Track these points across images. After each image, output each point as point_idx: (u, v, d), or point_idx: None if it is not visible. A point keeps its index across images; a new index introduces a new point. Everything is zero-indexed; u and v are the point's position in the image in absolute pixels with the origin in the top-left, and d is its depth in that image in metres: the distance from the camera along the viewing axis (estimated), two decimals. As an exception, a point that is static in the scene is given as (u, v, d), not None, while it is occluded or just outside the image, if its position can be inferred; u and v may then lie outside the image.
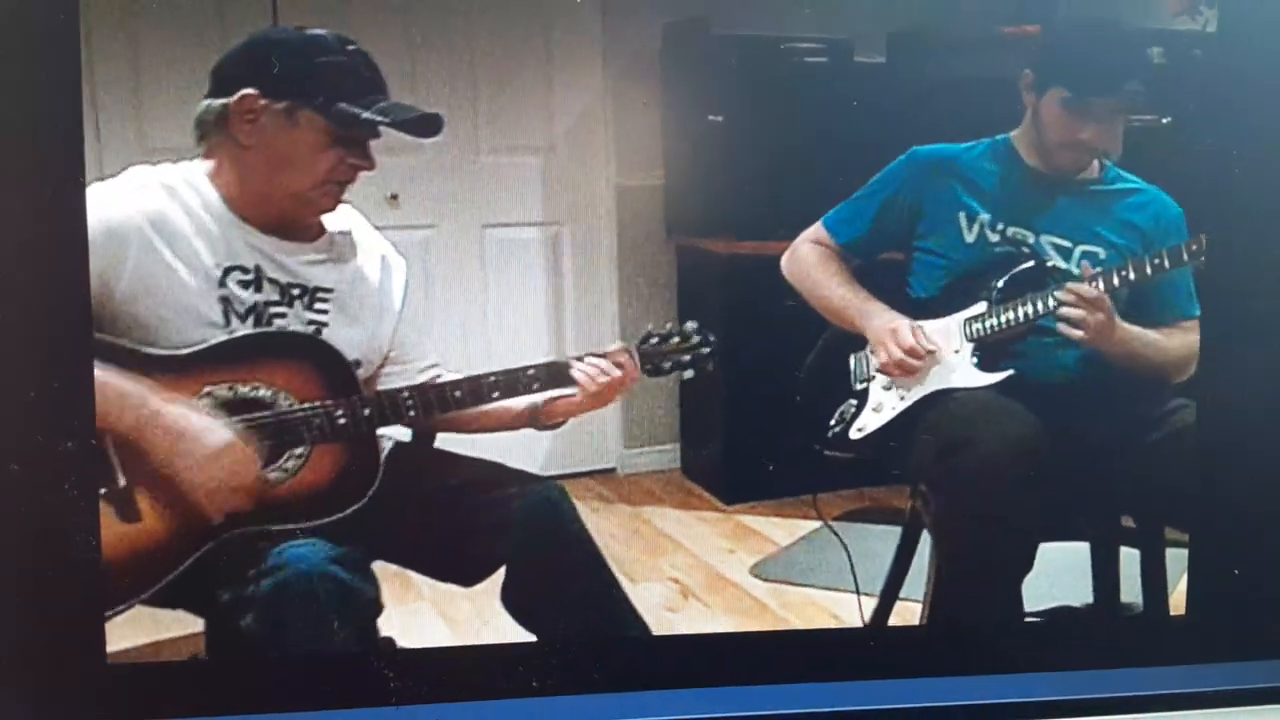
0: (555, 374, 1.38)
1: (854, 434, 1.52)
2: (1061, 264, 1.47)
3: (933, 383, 1.50)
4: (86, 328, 1.20)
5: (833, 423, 1.53)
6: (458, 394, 1.34)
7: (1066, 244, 1.47)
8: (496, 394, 1.36)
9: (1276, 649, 1.38)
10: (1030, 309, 1.46)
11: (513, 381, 1.36)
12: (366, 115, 1.27)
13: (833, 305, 1.51)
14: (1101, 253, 1.47)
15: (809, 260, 1.51)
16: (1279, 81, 1.36)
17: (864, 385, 1.53)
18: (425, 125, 1.30)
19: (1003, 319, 1.48)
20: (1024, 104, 1.48)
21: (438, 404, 1.34)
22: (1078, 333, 1.43)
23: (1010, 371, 1.48)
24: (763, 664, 1.33)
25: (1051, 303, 1.45)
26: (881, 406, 1.51)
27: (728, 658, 1.34)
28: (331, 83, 1.27)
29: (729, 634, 1.46)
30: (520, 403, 1.39)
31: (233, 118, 1.27)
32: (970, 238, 1.48)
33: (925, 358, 1.49)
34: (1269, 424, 1.37)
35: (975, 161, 1.49)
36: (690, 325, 1.43)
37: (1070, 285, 1.44)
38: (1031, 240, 1.48)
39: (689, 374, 1.42)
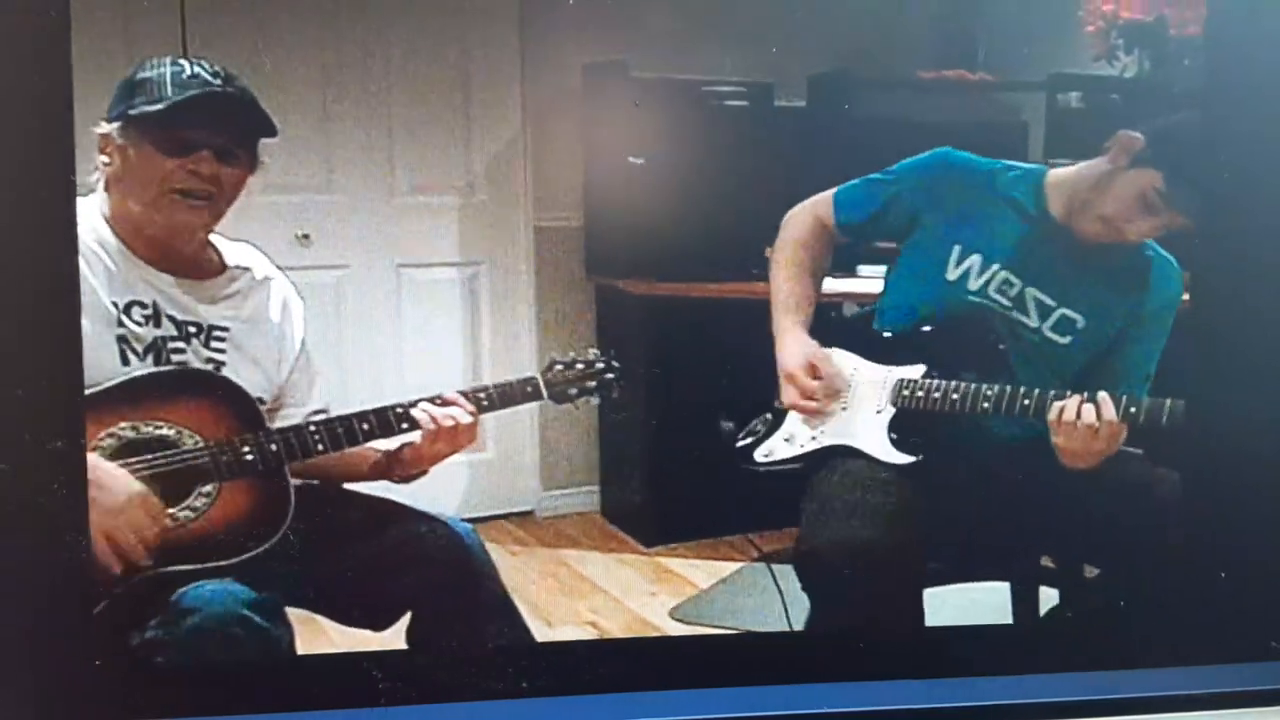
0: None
1: (760, 456, 1.49)
2: (1033, 323, 1.44)
3: (844, 435, 1.47)
4: (75, 328, 1.18)
5: (742, 434, 1.51)
6: (365, 426, 1.33)
7: (1050, 303, 1.44)
8: (405, 425, 1.34)
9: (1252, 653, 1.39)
10: (968, 401, 1.42)
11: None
12: (148, 109, 1.23)
13: (771, 292, 1.49)
14: (1080, 321, 1.43)
15: (794, 231, 1.48)
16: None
17: (784, 408, 1.50)
18: (218, 110, 1.26)
19: (934, 395, 1.44)
20: (1107, 156, 1.40)
21: (345, 437, 1.32)
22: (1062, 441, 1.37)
23: (916, 459, 1.44)
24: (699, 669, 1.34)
25: (987, 400, 1.41)
26: (793, 439, 1.49)
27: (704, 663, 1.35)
28: (146, 92, 1.24)
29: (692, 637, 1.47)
30: (372, 453, 1.36)
31: (98, 154, 1.26)
32: (952, 275, 1.45)
33: (829, 398, 1.47)
34: (1254, 431, 1.38)
35: (1003, 188, 1.44)
36: (593, 352, 1.42)
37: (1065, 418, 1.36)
38: (1015, 291, 1.44)
39: (595, 400, 1.42)
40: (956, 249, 1.44)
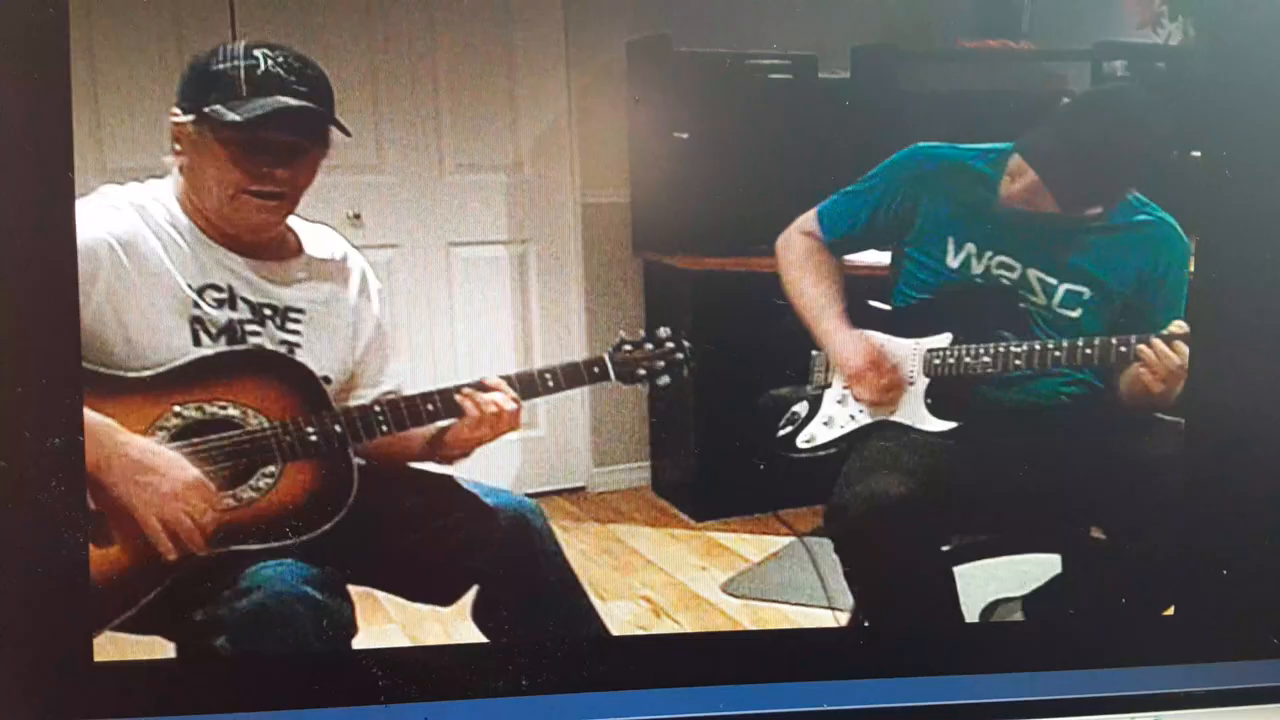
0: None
1: (801, 442, 1.50)
2: (1042, 299, 1.44)
3: (884, 411, 1.49)
4: (74, 326, 1.20)
5: (782, 423, 1.52)
6: (430, 407, 1.33)
7: (1051, 280, 1.44)
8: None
9: (1255, 650, 1.39)
10: (999, 361, 1.43)
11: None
12: (230, 116, 1.23)
13: (800, 303, 1.49)
14: (1086, 292, 1.44)
15: (794, 250, 1.49)
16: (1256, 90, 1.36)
17: (818, 391, 1.52)
18: (295, 121, 1.25)
19: (965, 360, 1.45)
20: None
21: (410, 417, 1.33)
22: (1158, 386, 1.39)
23: (956, 424, 1.46)
24: (735, 666, 1.34)
25: (1018, 358, 1.42)
26: (832, 421, 1.50)
27: (704, 660, 1.35)
28: (221, 89, 1.23)
29: (703, 634, 1.47)
30: (422, 433, 1.36)
31: (170, 139, 1.27)
32: (954, 262, 1.46)
33: (898, 385, 1.47)
34: (1256, 428, 1.38)
35: (978, 172, 1.45)
36: (663, 331, 1.42)
37: (1157, 349, 1.39)
38: (1016, 273, 1.44)
39: (664, 380, 1.41)
40: (950, 241, 1.45)
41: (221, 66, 1.24)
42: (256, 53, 1.25)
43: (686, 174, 1.50)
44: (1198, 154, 1.41)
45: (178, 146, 1.27)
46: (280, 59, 1.25)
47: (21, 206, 1.17)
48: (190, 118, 1.25)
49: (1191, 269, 1.41)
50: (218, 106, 1.23)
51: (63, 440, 1.18)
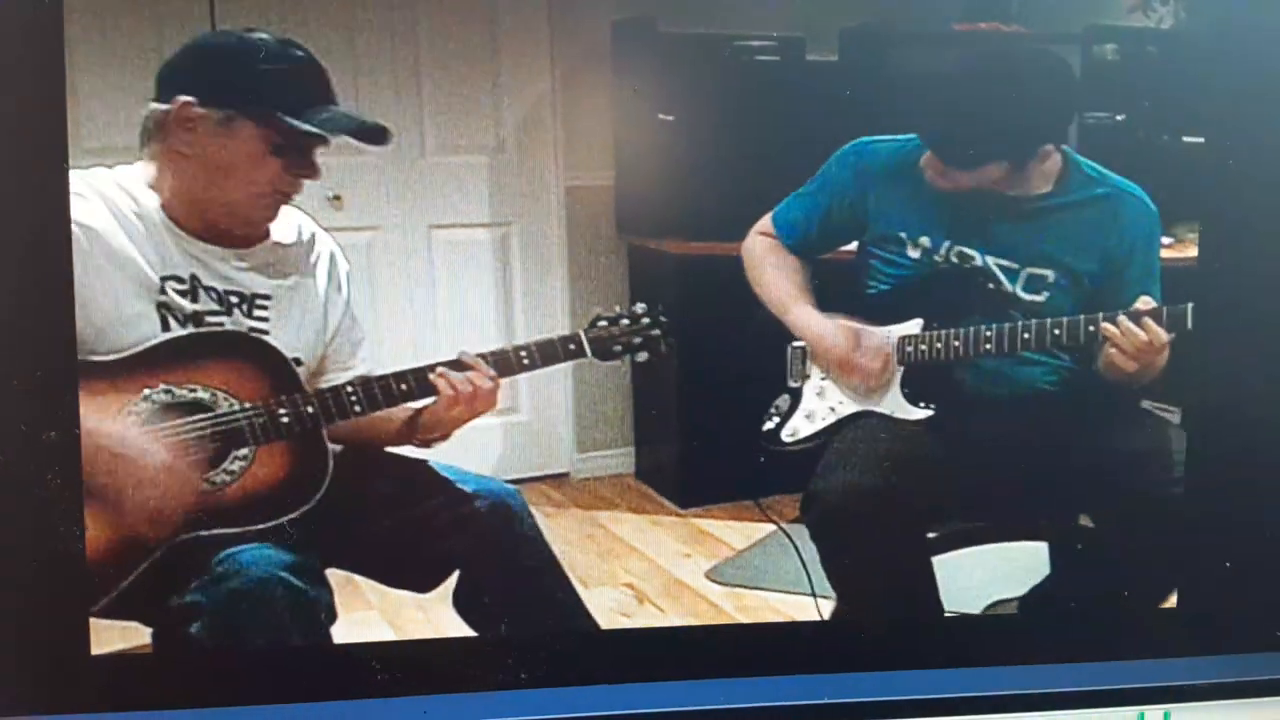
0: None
1: (786, 436, 1.50)
2: (1008, 286, 1.43)
3: (860, 402, 1.48)
4: (69, 318, 1.19)
5: (766, 418, 1.51)
6: (403, 387, 1.32)
7: (1013, 266, 1.43)
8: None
9: (1259, 643, 1.39)
10: (970, 345, 1.42)
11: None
12: (304, 126, 1.25)
13: (765, 297, 1.48)
14: (1050, 275, 1.43)
15: (754, 251, 1.48)
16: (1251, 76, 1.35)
17: (798, 385, 1.51)
18: (368, 135, 1.28)
19: (937, 346, 1.44)
20: None
21: (383, 397, 1.32)
22: (1131, 365, 1.38)
23: (930, 411, 1.45)
24: (719, 659, 1.34)
25: (988, 340, 1.41)
26: (813, 415, 1.49)
27: (689, 654, 1.35)
28: (271, 91, 1.24)
29: (690, 627, 1.45)
30: (399, 415, 1.35)
31: (172, 125, 1.24)
32: (914, 254, 1.45)
33: (888, 371, 1.46)
34: (1261, 418, 1.38)
35: (918, 165, 1.44)
36: (640, 306, 1.40)
37: (1122, 326, 1.37)
38: (978, 262, 1.43)
39: (643, 356, 1.40)
40: (904, 236, 1.44)
41: (267, 66, 1.24)
42: (296, 53, 1.25)
43: (672, 157, 1.48)
44: (1196, 140, 1.40)
45: (185, 136, 1.25)
46: (310, 59, 1.26)
47: (13, 199, 1.16)
48: (222, 112, 1.24)
49: (1194, 255, 1.40)
50: (279, 114, 1.24)
51: (58, 434, 1.17)
